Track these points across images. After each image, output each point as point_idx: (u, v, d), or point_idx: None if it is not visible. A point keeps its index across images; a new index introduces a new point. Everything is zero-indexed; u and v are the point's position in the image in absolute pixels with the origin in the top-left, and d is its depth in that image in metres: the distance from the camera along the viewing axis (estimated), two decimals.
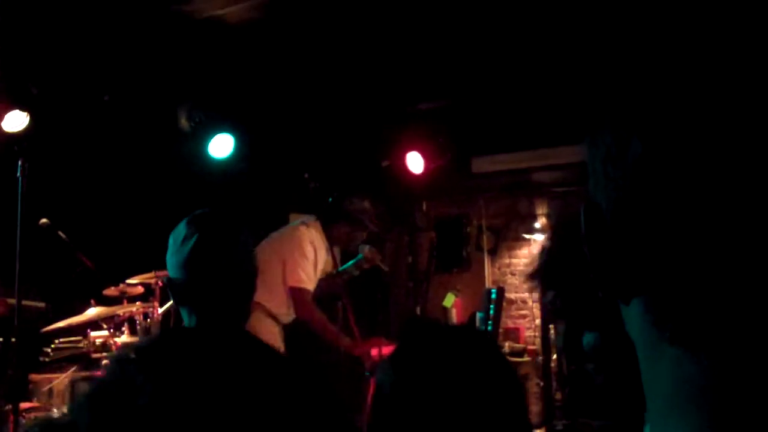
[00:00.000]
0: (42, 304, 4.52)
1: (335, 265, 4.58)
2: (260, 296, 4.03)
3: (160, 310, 4.48)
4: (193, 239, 1.82)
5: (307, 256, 4.29)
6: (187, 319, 1.84)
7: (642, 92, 0.44)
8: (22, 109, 4.57)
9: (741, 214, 0.39)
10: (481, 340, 1.28)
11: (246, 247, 1.92)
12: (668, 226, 0.42)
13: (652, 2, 0.45)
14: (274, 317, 4.26)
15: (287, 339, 4.43)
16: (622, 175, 0.45)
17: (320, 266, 4.43)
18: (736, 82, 0.39)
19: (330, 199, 4.51)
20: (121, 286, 4.57)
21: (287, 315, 4.34)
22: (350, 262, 4.65)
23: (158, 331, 4.37)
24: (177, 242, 1.86)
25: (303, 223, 4.45)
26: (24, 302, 3.78)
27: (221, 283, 1.83)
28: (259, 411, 1.32)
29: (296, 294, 4.24)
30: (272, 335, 4.16)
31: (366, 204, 4.50)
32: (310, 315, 4.29)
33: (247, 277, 1.92)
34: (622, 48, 0.46)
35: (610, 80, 0.47)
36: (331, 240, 4.47)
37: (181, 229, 1.87)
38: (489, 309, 5.96)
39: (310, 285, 4.32)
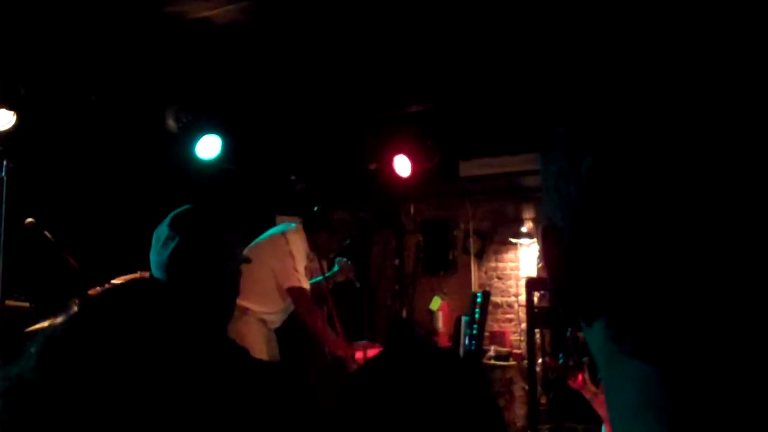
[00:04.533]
0: (26, 304, 4.49)
1: (322, 272, 4.68)
2: (251, 302, 4.11)
3: None
4: (175, 242, 1.81)
5: (294, 256, 4.38)
6: None
7: (593, 106, 0.44)
8: (9, 108, 4.55)
9: (697, 225, 0.39)
10: (467, 368, 1.21)
11: (229, 248, 1.91)
12: (625, 240, 0.42)
13: (609, 17, 0.45)
14: (264, 322, 4.32)
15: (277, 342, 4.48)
16: (576, 191, 0.45)
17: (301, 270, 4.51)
18: (687, 96, 0.40)
19: (316, 208, 4.62)
20: (106, 286, 4.55)
21: (277, 319, 4.43)
22: (324, 275, 4.74)
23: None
24: (159, 242, 1.85)
25: (285, 231, 4.53)
26: (8, 302, 3.76)
27: (201, 285, 1.82)
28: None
29: (296, 293, 4.34)
30: (258, 339, 4.21)
31: (346, 217, 4.65)
32: (312, 311, 4.40)
33: (229, 278, 1.90)
34: (573, 61, 0.46)
35: (561, 94, 0.47)
36: (313, 248, 4.57)
37: (163, 228, 1.86)
38: (475, 313, 5.98)
39: (306, 284, 4.42)
